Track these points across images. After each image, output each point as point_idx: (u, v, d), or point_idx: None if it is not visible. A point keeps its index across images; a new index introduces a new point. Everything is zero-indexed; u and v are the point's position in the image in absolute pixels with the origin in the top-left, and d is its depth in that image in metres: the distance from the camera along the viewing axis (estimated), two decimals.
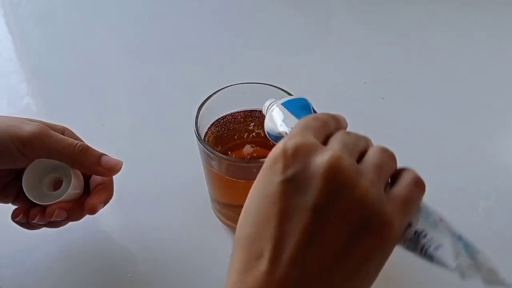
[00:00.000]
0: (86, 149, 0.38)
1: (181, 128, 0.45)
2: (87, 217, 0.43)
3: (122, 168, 0.42)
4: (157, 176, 0.49)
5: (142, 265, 0.43)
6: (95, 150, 0.39)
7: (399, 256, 0.44)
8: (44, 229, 0.43)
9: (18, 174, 0.40)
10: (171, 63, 0.63)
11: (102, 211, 0.42)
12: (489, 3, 0.71)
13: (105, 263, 0.43)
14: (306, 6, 0.72)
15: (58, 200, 0.38)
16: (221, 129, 0.42)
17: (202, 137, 0.39)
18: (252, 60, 0.62)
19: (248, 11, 0.72)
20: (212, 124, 0.42)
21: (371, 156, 0.26)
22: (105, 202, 0.40)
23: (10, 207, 0.43)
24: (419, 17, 0.69)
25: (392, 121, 0.54)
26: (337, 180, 0.24)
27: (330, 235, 0.23)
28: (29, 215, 0.39)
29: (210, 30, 0.68)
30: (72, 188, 0.39)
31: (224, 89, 0.40)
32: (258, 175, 0.26)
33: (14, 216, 0.39)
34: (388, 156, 0.27)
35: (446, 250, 0.25)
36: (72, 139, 0.38)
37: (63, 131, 0.41)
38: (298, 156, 0.24)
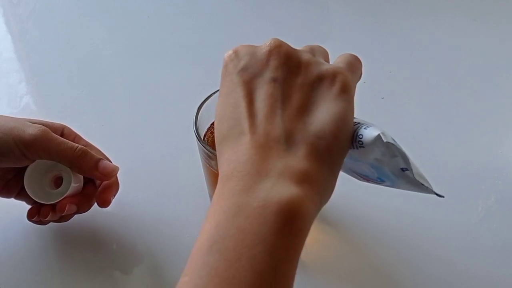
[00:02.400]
0: (85, 154, 0.39)
1: (181, 128, 0.45)
2: (86, 216, 0.43)
3: (121, 168, 0.42)
4: (157, 176, 0.49)
5: (142, 265, 0.42)
6: (94, 155, 0.40)
7: (398, 256, 0.44)
8: (42, 228, 0.44)
9: (19, 171, 0.40)
10: (170, 62, 0.63)
11: (101, 210, 0.42)
12: (489, 3, 0.71)
13: (105, 263, 0.43)
14: (306, 6, 0.72)
15: (64, 196, 0.39)
16: None
17: (202, 137, 0.39)
18: None
19: (248, 10, 0.71)
20: (211, 124, 0.42)
21: (303, 47, 0.30)
22: (115, 194, 0.42)
23: (9, 207, 0.43)
24: (419, 17, 0.69)
25: (391, 121, 0.54)
26: (283, 55, 0.27)
27: (295, 96, 0.26)
28: (40, 213, 0.40)
29: (210, 29, 0.68)
30: (74, 182, 0.40)
31: None
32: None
33: (30, 217, 0.41)
34: (316, 45, 0.31)
35: (374, 128, 0.26)
36: (72, 143, 0.39)
37: (62, 129, 0.42)
38: (241, 53, 0.28)
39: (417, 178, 0.26)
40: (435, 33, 0.66)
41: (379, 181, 0.28)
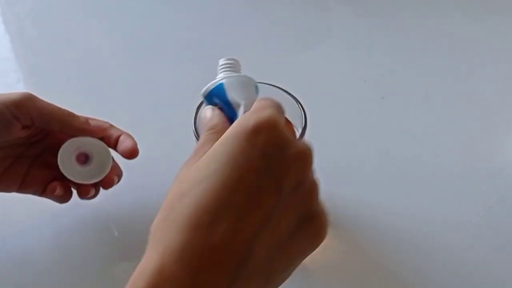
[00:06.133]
0: (73, 114, 0.40)
1: (180, 128, 0.45)
2: (86, 214, 0.43)
3: (120, 168, 0.42)
4: (156, 176, 0.49)
5: None
6: (82, 116, 0.41)
7: (398, 256, 0.44)
8: (42, 229, 0.43)
9: (18, 158, 0.39)
10: (170, 62, 0.63)
11: (101, 210, 0.42)
12: (489, 3, 0.71)
13: (105, 263, 0.43)
14: (306, 5, 0.71)
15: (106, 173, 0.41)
16: None
17: None
18: (251, 60, 0.62)
19: (248, 10, 0.71)
20: None
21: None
22: (119, 176, 0.43)
23: (9, 207, 0.43)
24: (419, 16, 0.69)
25: (392, 120, 0.54)
26: (305, 172, 0.24)
27: (284, 220, 0.23)
28: (82, 192, 0.40)
29: (210, 29, 0.68)
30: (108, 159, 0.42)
31: None
32: (230, 138, 0.24)
33: (52, 191, 0.40)
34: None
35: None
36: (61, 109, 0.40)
37: None
38: (276, 135, 0.24)
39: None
40: (436, 32, 0.66)
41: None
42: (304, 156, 0.24)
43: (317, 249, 0.43)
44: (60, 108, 0.39)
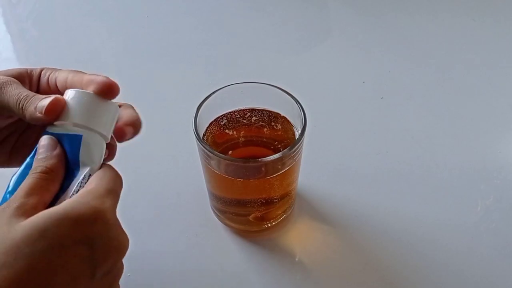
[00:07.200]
0: (28, 101, 0.32)
1: (180, 128, 0.45)
2: None
3: (120, 168, 0.41)
4: (157, 176, 0.49)
5: (142, 264, 0.42)
6: (36, 99, 0.33)
7: (397, 256, 0.44)
8: None
9: (15, 132, 0.35)
10: (170, 62, 0.63)
11: None
12: (489, 3, 0.71)
13: None
14: (305, 6, 0.72)
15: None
16: (220, 129, 0.42)
17: (201, 137, 0.39)
18: (251, 60, 0.63)
19: (247, 10, 0.72)
20: (211, 124, 0.42)
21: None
22: (134, 126, 0.36)
23: None
24: (418, 17, 0.69)
25: (391, 120, 0.54)
26: (118, 261, 0.28)
27: None
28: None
29: (209, 29, 0.68)
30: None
31: (223, 88, 0.40)
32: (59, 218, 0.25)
33: None
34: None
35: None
36: (21, 92, 0.33)
37: (40, 72, 0.39)
38: (104, 227, 0.26)
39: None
40: (434, 32, 0.66)
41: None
42: (122, 248, 0.27)
43: (316, 249, 0.43)
44: (16, 100, 0.32)
